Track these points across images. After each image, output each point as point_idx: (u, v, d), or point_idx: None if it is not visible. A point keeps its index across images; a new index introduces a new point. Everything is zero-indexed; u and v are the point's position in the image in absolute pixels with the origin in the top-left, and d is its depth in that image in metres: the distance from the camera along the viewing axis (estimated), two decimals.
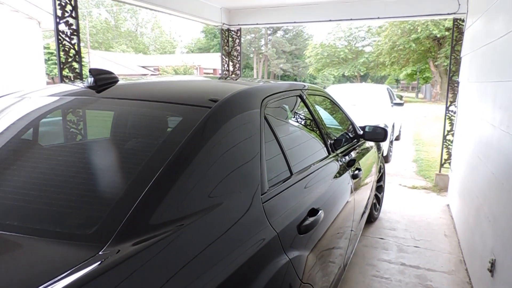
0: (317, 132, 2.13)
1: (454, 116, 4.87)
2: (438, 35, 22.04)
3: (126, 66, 27.43)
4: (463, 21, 4.72)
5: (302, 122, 2.12)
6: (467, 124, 3.51)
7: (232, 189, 1.17)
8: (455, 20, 4.82)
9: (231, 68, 6.32)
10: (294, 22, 5.88)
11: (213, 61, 29.26)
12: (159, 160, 1.05)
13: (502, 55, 2.34)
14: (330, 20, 5.57)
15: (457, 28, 4.81)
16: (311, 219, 1.44)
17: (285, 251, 1.22)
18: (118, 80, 1.56)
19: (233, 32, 6.22)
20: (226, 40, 6.24)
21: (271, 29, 45.85)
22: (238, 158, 1.24)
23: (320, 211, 1.52)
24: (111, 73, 1.56)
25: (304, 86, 2.22)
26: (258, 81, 1.87)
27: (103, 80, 1.47)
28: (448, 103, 5.02)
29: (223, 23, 5.94)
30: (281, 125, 1.72)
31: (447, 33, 21.69)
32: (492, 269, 2.06)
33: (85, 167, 1.17)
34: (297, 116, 2.09)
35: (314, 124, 2.11)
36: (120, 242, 0.85)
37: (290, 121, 1.97)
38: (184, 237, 0.94)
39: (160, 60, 34.75)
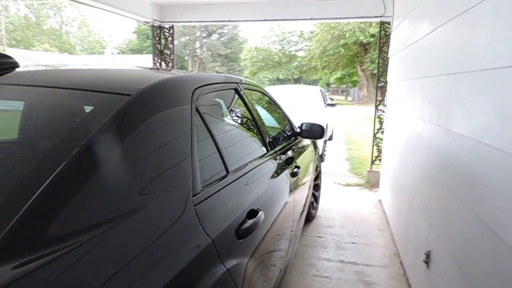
0: (255, 128, 2.00)
1: (383, 115, 5.09)
2: (364, 41, 23.47)
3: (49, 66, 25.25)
4: (389, 24, 4.96)
5: (239, 118, 1.98)
6: (396, 121, 3.64)
7: (158, 190, 0.98)
8: (381, 23, 5.05)
9: (163, 67, 6.02)
10: (229, 21, 5.75)
11: (146, 62, 28.12)
12: (55, 159, 0.83)
13: (429, 52, 2.42)
14: (265, 20, 5.54)
15: (384, 30, 5.05)
16: (250, 221, 1.30)
17: (222, 260, 1.06)
18: (17, 66, 1.29)
19: (165, 30, 5.93)
20: (158, 38, 5.92)
21: (206, 32, 45.49)
22: (164, 153, 1.05)
23: (260, 212, 1.38)
24: (8, 57, 1.28)
25: (241, 80, 2.08)
26: (190, 71, 1.69)
27: None
28: (377, 103, 5.24)
29: (155, 20, 5.63)
30: (215, 119, 1.56)
31: (372, 39, 23.18)
32: (427, 260, 2.10)
33: None
34: (233, 111, 1.94)
35: (251, 120, 1.98)
36: None
37: (225, 115, 1.81)
38: (92, 253, 0.74)
39: (88, 60, 32.61)
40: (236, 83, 1.94)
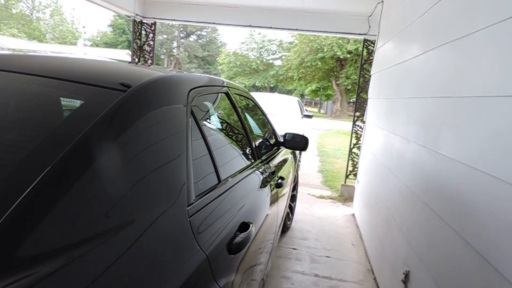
0: (245, 135, 1.94)
1: (360, 131, 5.16)
2: (341, 57, 23.96)
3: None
4: (372, 42, 5.06)
5: (230, 123, 1.91)
6: (375, 138, 3.68)
7: (151, 201, 0.88)
8: (365, 40, 5.14)
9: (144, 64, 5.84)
10: (214, 23, 5.68)
11: (120, 57, 27.39)
12: (35, 164, 0.72)
13: (416, 73, 2.45)
14: (251, 26, 5.51)
15: (367, 48, 5.14)
16: (242, 235, 1.22)
17: (216, 278, 0.98)
18: None
19: (146, 26, 5.77)
20: (138, 33, 5.75)
21: (184, 32, 45.05)
22: (159, 158, 0.96)
23: (251, 226, 1.31)
24: None
25: (231, 84, 2.02)
26: (182, 71, 1.60)
27: None
28: (355, 118, 5.30)
29: (137, 14, 5.46)
30: (208, 123, 1.48)
31: (348, 55, 23.71)
32: (406, 280, 2.09)
33: None
34: (225, 116, 1.87)
35: (241, 127, 1.92)
36: None
37: (217, 120, 1.73)
38: (74, 275, 0.64)
39: (58, 49, 31.37)
40: (228, 87, 1.87)
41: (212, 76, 1.92)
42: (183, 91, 1.20)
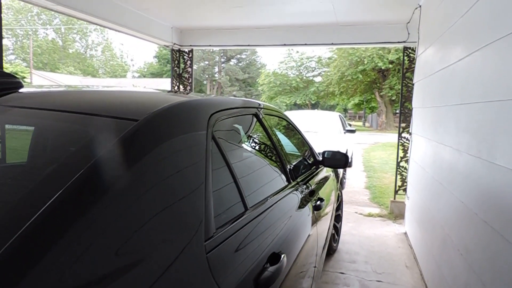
0: (276, 157, 1.84)
1: (407, 143, 4.87)
2: (383, 67, 23.32)
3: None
4: (413, 49, 4.82)
5: (259, 146, 1.83)
6: (424, 150, 3.43)
7: (161, 238, 0.81)
8: (405, 48, 4.91)
9: (181, 90, 5.99)
10: (248, 45, 5.73)
11: (166, 86, 28.67)
12: (36, 198, 0.68)
13: (462, 78, 2.24)
14: (284, 45, 5.49)
15: (407, 56, 4.90)
16: (272, 268, 1.12)
17: None
18: (21, 86, 1.18)
19: (184, 53, 5.94)
20: (177, 61, 5.93)
21: (225, 57, 46.36)
22: (173, 189, 0.89)
23: (282, 256, 1.21)
24: (11, 76, 1.19)
25: (260, 104, 1.95)
26: (206, 95, 1.56)
27: None
28: (401, 130, 5.03)
29: (174, 43, 5.65)
30: (233, 147, 1.41)
31: (390, 65, 23.02)
32: None
33: None
34: (253, 138, 1.80)
35: (272, 148, 1.83)
36: None
37: (244, 143, 1.66)
38: None
39: (109, 83, 33.46)
40: (256, 107, 1.81)
41: (240, 98, 1.87)
42: (202, 116, 1.14)
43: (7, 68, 20.90)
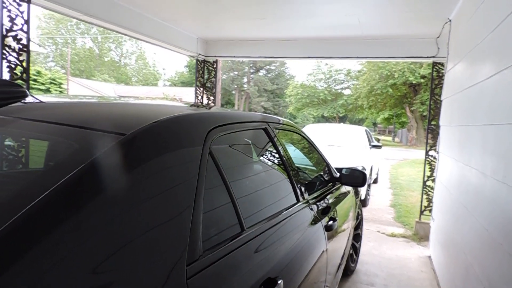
0: (285, 174, 1.78)
1: (434, 161, 4.66)
2: (414, 82, 22.74)
3: (102, 94, 26.98)
4: (442, 65, 4.64)
5: (265, 163, 1.77)
6: (450, 170, 3.26)
7: (135, 260, 0.76)
8: (434, 63, 4.74)
9: (205, 101, 6.04)
10: (272, 57, 5.72)
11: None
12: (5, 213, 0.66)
13: (491, 96, 2.11)
14: (309, 57, 5.43)
15: (437, 71, 4.72)
16: None
17: None
18: (25, 95, 1.19)
19: (209, 64, 6.00)
20: (201, 72, 6.00)
21: (254, 68, 46.75)
22: (154, 208, 0.85)
23: (279, 282, 1.14)
24: (17, 85, 1.19)
25: (273, 119, 1.90)
26: (211, 107, 1.52)
27: None
28: (428, 148, 4.83)
29: (199, 54, 5.72)
30: (234, 164, 1.37)
31: (422, 80, 22.42)
32: None
33: None
34: (259, 155, 1.74)
35: (281, 165, 1.77)
36: None
37: (248, 160, 1.60)
38: None
39: (140, 91, 34.44)
40: (267, 122, 1.76)
41: (252, 112, 1.83)
42: (199, 131, 1.10)
43: (47, 74, 21.91)
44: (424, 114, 23.86)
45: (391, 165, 13.70)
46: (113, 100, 1.39)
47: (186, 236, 0.88)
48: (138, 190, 0.83)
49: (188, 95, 30.87)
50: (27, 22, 3.01)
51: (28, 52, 3.07)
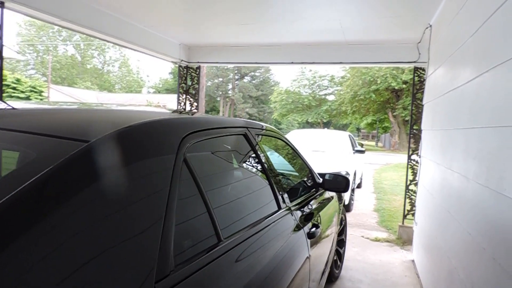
0: (265, 181, 1.72)
1: (417, 166, 4.69)
2: (396, 87, 23.12)
3: (83, 101, 26.51)
4: (423, 70, 4.69)
5: (244, 169, 1.71)
6: (432, 175, 3.27)
7: (93, 281, 0.69)
8: (415, 68, 4.79)
9: (187, 107, 5.96)
10: (256, 63, 5.69)
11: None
12: None
13: (472, 100, 2.11)
14: (293, 63, 5.43)
15: (418, 76, 4.77)
16: None
17: None
18: None
19: (192, 70, 5.93)
20: (184, 78, 5.92)
21: (239, 74, 46.80)
22: (119, 221, 0.78)
23: None
24: None
25: (253, 124, 1.85)
26: (194, 113, 1.46)
27: None
28: (410, 152, 4.86)
29: (182, 60, 5.65)
30: (211, 173, 1.30)
31: (404, 85, 22.81)
32: None
33: None
34: (238, 162, 1.68)
35: (261, 172, 1.71)
36: None
37: (226, 167, 1.54)
38: None
39: (123, 98, 34.00)
40: (247, 127, 1.70)
41: (232, 118, 1.77)
42: (172, 138, 1.04)
43: (27, 81, 21.36)
44: (406, 119, 24.25)
45: (374, 170, 13.81)
46: (84, 106, 1.32)
47: (155, 251, 0.81)
48: (101, 202, 0.76)
49: (172, 102, 30.61)
50: (0, 27, 2.91)
51: (1, 58, 2.97)
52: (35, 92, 20.63)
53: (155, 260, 0.80)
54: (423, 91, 4.42)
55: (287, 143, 2.43)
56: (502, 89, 1.63)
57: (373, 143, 39.52)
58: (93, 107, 1.26)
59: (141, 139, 0.95)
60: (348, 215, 5.77)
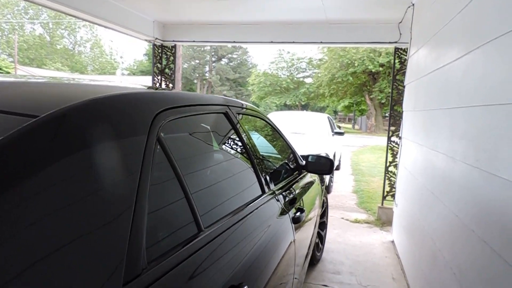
0: (248, 164, 1.61)
1: (397, 147, 4.69)
2: (373, 70, 23.27)
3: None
4: (404, 50, 4.64)
5: (225, 151, 1.58)
6: (414, 156, 3.24)
7: (44, 283, 0.56)
8: (396, 49, 4.73)
9: (163, 87, 5.72)
10: (234, 42, 5.50)
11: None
12: None
13: (459, 78, 2.05)
14: (272, 42, 5.26)
15: (399, 57, 4.72)
16: None
17: None
18: None
19: (166, 49, 5.67)
20: (159, 57, 5.66)
21: (216, 56, 46.05)
22: (79, 213, 0.64)
23: None
24: None
25: (235, 103, 1.71)
26: (160, 89, 1.31)
27: None
28: (390, 133, 4.85)
29: (156, 38, 5.38)
30: (189, 155, 1.17)
31: (381, 68, 22.99)
32: None
33: None
34: (218, 142, 1.55)
35: (243, 154, 1.59)
36: None
37: (205, 149, 1.41)
38: None
39: (97, 79, 32.85)
40: (228, 105, 1.57)
41: (211, 95, 1.63)
42: (144, 115, 0.89)
43: None
44: (383, 101, 24.57)
45: (352, 152, 13.95)
46: (41, 80, 1.14)
47: (124, 246, 0.68)
48: (52, 190, 0.62)
49: (148, 84, 29.85)
50: None
51: None
52: (1, 73, 19.63)
53: (123, 257, 0.67)
54: (404, 73, 4.37)
55: (269, 123, 2.31)
56: (496, 66, 1.55)
57: (350, 125, 40.00)
58: (53, 80, 1.09)
59: (103, 114, 0.80)
60: (328, 196, 5.77)
